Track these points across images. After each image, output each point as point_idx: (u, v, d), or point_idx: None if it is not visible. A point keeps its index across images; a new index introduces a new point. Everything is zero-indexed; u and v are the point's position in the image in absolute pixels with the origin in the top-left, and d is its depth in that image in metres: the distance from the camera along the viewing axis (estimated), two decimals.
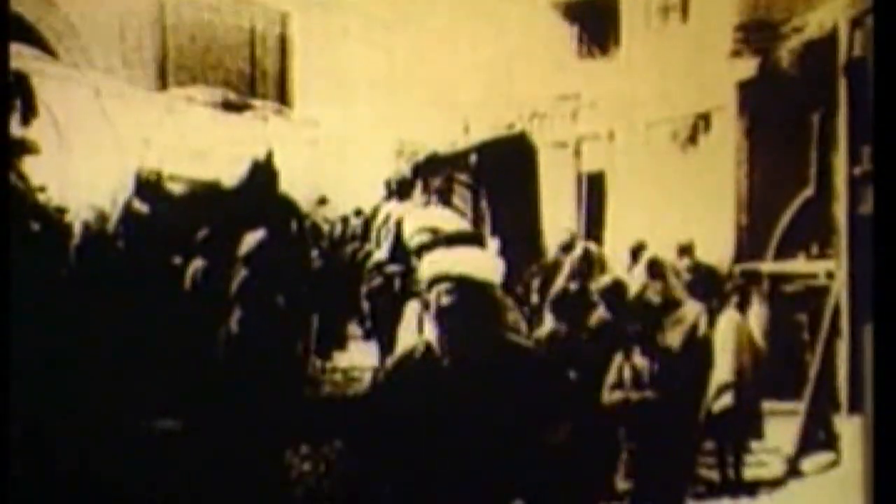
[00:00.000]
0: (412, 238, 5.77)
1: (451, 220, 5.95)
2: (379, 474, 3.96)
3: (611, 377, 7.52)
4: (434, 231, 5.44)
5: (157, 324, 8.00)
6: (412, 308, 5.51)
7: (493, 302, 4.00)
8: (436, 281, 3.98)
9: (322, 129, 12.67)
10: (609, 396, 7.51)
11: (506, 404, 3.85)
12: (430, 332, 3.99)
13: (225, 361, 7.72)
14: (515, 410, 3.85)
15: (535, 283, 10.63)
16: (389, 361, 4.28)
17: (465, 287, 3.92)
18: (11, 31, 7.25)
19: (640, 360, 7.47)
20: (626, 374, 7.45)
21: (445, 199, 11.41)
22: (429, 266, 4.06)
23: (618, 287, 8.42)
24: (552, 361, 4.32)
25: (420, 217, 6.36)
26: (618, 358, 7.53)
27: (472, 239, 4.50)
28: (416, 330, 5.36)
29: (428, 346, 4.02)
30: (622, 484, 7.51)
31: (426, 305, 4.09)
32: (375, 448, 4.00)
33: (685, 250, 10.21)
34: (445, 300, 3.91)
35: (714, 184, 11.15)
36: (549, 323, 8.14)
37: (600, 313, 8.37)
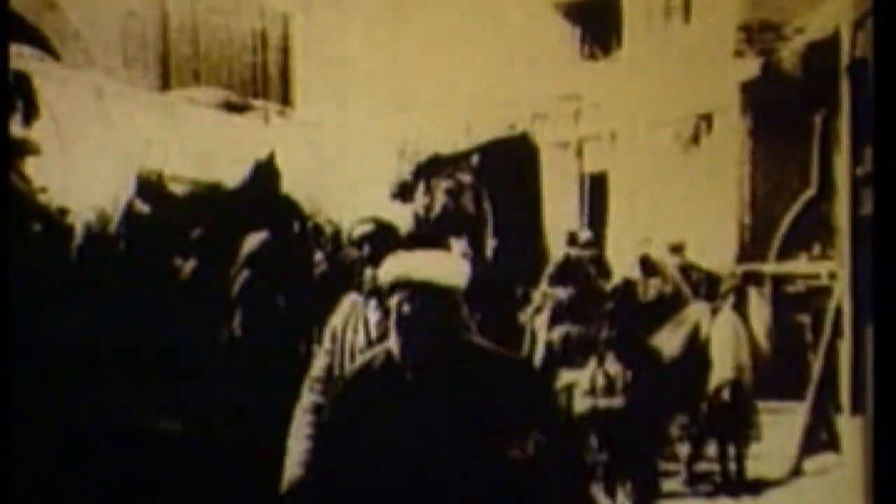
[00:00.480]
0: (353, 228, 5.51)
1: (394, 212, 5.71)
2: (340, 490, 3.76)
3: (583, 384, 7.32)
4: (376, 222, 5.27)
5: (159, 324, 7.99)
6: (351, 300, 5.23)
7: (459, 308, 3.79)
8: (396, 286, 3.77)
9: (324, 130, 12.67)
10: (580, 404, 7.31)
11: (472, 415, 3.67)
12: (392, 340, 3.79)
13: (227, 362, 7.72)
14: (482, 422, 3.67)
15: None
16: (348, 371, 4.05)
17: (428, 293, 3.72)
18: (13, 32, 7.25)
19: (613, 366, 7.24)
20: (599, 381, 7.23)
21: (455, 199, 11.41)
22: (389, 270, 3.83)
23: (628, 287, 8.44)
24: (522, 368, 4.07)
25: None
26: (591, 364, 7.33)
27: (435, 241, 4.28)
28: (358, 325, 5.09)
29: (388, 356, 3.82)
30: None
31: (385, 311, 3.87)
32: (335, 461, 3.81)
33: (676, 250, 10.21)
34: (407, 307, 3.72)
35: (716, 184, 11.14)
36: (558, 324, 8.10)
37: (618, 310, 8.39)
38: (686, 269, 10.09)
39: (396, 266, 3.83)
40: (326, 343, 5.06)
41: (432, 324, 3.72)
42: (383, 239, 5.05)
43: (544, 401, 4.53)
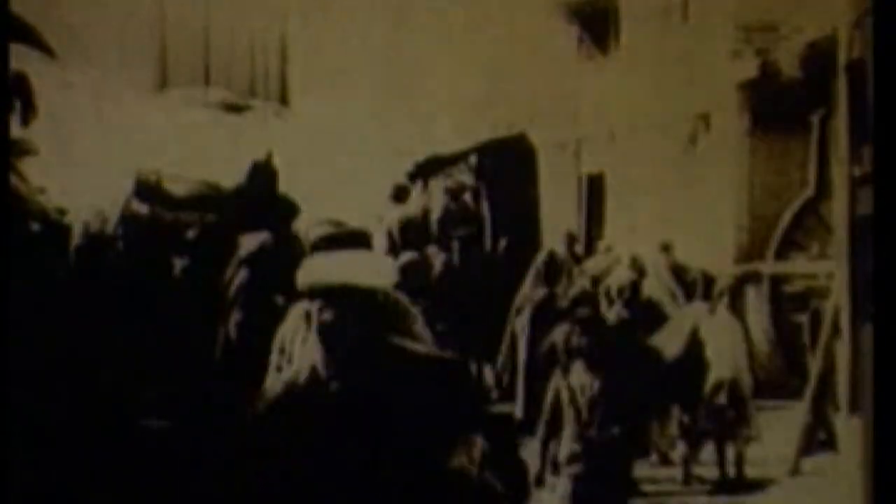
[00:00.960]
0: (310, 230, 5.16)
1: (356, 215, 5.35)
2: None
3: (548, 399, 6.96)
4: (333, 224, 4.98)
5: (157, 324, 7.99)
6: (300, 310, 4.90)
7: (384, 310, 3.45)
8: (315, 293, 3.43)
9: (322, 130, 12.66)
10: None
11: (406, 427, 3.34)
12: (314, 353, 3.49)
13: (224, 362, 7.71)
14: (418, 433, 3.34)
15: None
16: (270, 393, 3.72)
17: (348, 298, 3.39)
18: (11, 32, 7.23)
19: (581, 377, 6.79)
20: (564, 395, 6.81)
21: (455, 199, 11.42)
22: (305, 275, 3.50)
23: (634, 286, 8.42)
24: (457, 370, 3.62)
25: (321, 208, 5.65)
26: (555, 376, 6.99)
27: (357, 240, 3.89)
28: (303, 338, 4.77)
29: (313, 370, 3.50)
30: None
31: (307, 319, 3.49)
32: (266, 488, 3.47)
33: (667, 248, 10.23)
34: (327, 315, 3.42)
35: (714, 184, 11.15)
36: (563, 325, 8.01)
37: (618, 312, 8.36)
38: (681, 270, 10.11)
39: (313, 271, 3.52)
40: (274, 356, 4.80)
41: (353, 330, 3.42)
42: (341, 242, 4.87)
43: (481, 403, 4.16)
